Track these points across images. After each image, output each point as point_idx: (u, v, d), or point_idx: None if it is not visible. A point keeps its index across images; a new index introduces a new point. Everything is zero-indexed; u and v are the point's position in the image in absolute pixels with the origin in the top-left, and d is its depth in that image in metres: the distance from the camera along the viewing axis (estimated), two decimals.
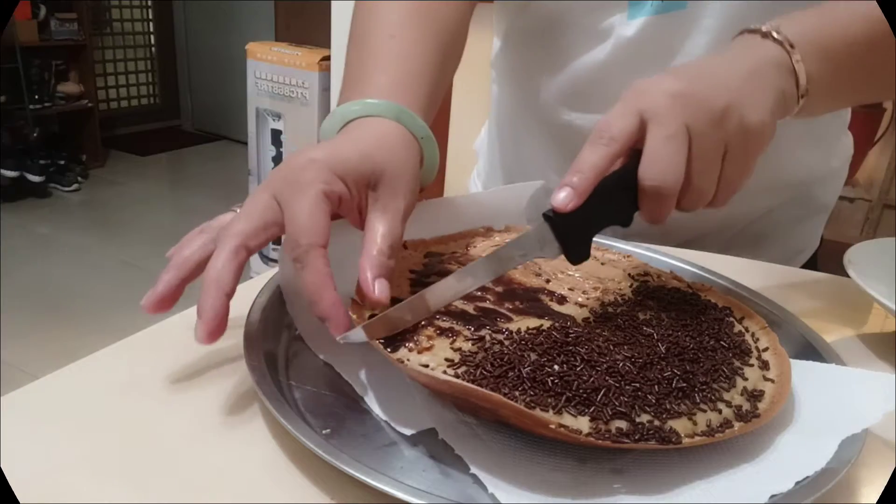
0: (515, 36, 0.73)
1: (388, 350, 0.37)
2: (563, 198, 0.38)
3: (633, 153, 0.40)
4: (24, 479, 0.32)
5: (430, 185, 0.49)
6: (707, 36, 0.61)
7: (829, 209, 0.78)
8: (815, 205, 0.77)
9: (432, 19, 0.54)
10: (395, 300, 0.42)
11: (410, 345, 0.37)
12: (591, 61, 0.66)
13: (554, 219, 0.39)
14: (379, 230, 0.39)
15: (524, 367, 0.34)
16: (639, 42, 0.62)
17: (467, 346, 0.37)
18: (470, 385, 0.33)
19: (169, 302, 0.39)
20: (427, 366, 0.35)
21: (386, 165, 0.41)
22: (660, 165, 0.39)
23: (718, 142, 0.40)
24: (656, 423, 0.33)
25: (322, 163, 0.39)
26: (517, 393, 0.33)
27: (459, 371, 0.35)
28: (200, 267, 0.39)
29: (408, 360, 0.36)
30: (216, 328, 0.36)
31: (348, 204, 0.40)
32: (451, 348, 0.37)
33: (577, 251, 0.40)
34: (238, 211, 0.40)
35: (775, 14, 0.48)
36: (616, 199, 0.40)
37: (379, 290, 0.38)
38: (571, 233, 0.40)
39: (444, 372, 0.35)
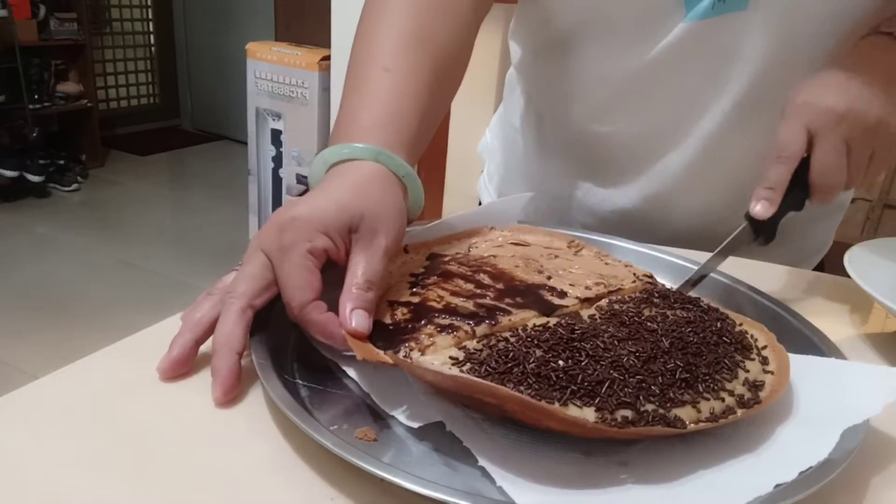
0: (542, 47, 0.71)
1: (391, 351, 0.37)
2: (761, 209, 0.51)
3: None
4: (24, 479, 0.32)
5: (429, 188, 0.50)
6: (762, 40, 0.60)
7: (845, 208, 0.79)
8: (835, 202, 0.77)
9: (430, 47, 0.54)
10: (394, 303, 0.42)
11: (412, 344, 0.37)
12: (632, 68, 0.64)
13: (753, 222, 0.52)
14: (358, 266, 0.41)
15: (529, 363, 0.35)
16: (689, 46, 0.61)
17: (472, 344, 0.38)
18: (475, 379, 0.33)
19: (184, 364, 0.40)
20: (432, 364, 0.35)
21: (364, 209, 0.42)
22: (830, 173, 0.51)
23: (869, 148, 0.52)
24: (661, 411, 0.34)
25: (303, 220, 0.41)
26: (522, 388, 0.33)
27: (464, 368, 0.35)
28: (212, 327, 0.41)
29: (412, 359, 0.36)
30: (231, 387, 0.38)
31: (335, 254, 0.42)
32: (457, 347, 0.37)
33: (769, 236, 0.52)
34: (238, 270, 0.42)
35: (834, 15, 0.57)
36: (792, 195, 0.51)
37: (356, 321, 0.39)
38: (765, 226, 0.52)
39: (449, 369, 0.35)
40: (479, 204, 0.88)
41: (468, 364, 0.35)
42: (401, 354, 0.37)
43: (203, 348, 0.41)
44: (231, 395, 0.38)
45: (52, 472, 0.32)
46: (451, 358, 0.36)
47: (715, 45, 0.61)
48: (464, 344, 0.38)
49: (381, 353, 0.37)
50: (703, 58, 0.61)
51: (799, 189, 0.51)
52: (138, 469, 0.33)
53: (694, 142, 0.66)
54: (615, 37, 0.63)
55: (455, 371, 0.35)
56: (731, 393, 0.37)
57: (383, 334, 0.39)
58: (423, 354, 0.37)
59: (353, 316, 0.39)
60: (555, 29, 0.67)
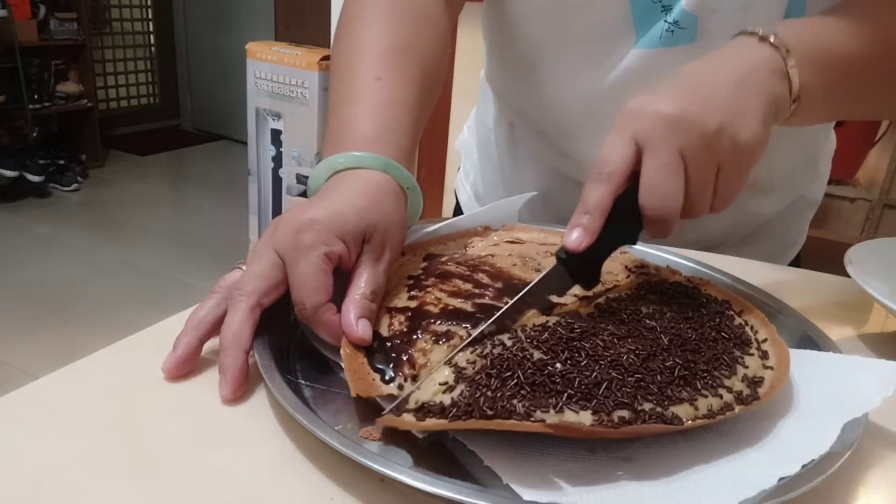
0: (505, 60, 0.70)
1: (386, 378, 0.38)
2: (575, 239, 0.41)
3: (632, 175, 0.42)
4: (24, 479, 0.32)
5: (429, 188, 0.50)
6: None
7: (817, 204, 0.80)
8: (806, 201, 0.78)
9: (416, 57, 0.54)
10: (391, 309, 0.42)
11: (405, 370, 0.38)
12: (588, 91, 0.63)
13: (567, 259, 0.41)
14: (363, 276, 0.42)
15: (524, 370, 0.34)
16: (640, 74, 0.60)
17: (464, 356, 0.37)
18: (464, 424, 0.33)
19: (189, 363, 0.40)
20: (423, 406, 0.35)
21: (378, 221, 0.43)
22: (659, 194, 0.41)
23: (712, 163, 0.42)
24: (658, 409, 0.34)
25: (323, 224, 0.41)
26: (515, 401, 0.33)
27: (455, 394, 0.35)
28: (216, 326, 0.41)
29: (403, 391, 0.36)
30: (240, 385, 0.39)
31: (346, 261, 0.42)
32: (448, 365, 0.37)
33: (590, 280, 0.43)
34: (244, 268, 0.42)
35: None
36: (621, 224, 0.42)
37: (362, 329, 0.40)
38: (584, 265, 0.42)
39: (441, 402, 0.34)
40: (456, 200, 0.89)
41: (459, 386, 0.35)
42: (395, 384, 0.37)
43: (214, 346, 0.41)
44: (239, 392, 0.38)
45: (52, 472, 0.32)
46: (440, 385, 0.36)
47: (665, 75, 0.60)
48: (454, 361, 0.37)
49: (377, 387, 0.37)
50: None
51: (630, 217, 0.42)
52: (138, 469, 0.33)
53: None
54: (572, 58, 0.63)
55: (448, 400, 0.34)
56: (730, 390, 0.37)
57: (380, 352, 0.40)
58: (417, 377, 0.37)
59: (360, 324, 0.40)
60: (515, 45, 0.67)
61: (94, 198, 3.52)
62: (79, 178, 3.60)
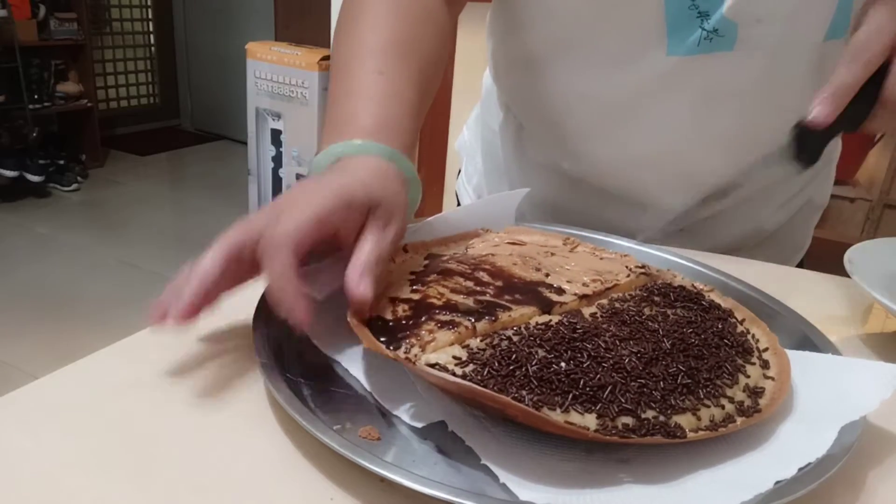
0: (517, 59, 0.69)
1: (391, 348, 0.37)
2: (820, 113, 0.45)
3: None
4: (24, 479, 0.32)
5: (429, 187, 0.50)
6: (747, 79, 0.59)
7: (823, 207, 0.81)
8: (813, 205, 0.79)
9: (417, 53, 0.54)
10: (395, 300, 0.42)
11: (413, 340, 0.37)
12: (612, 95, 0.63)
13: (803, 130, 0.46)
14: (367, 242, 0.41)
15: (531, 366, 0.35)
16: (671, 80, 0.60)
17: (475, 342, 0.38)
18: (478, 387, 0.33)
19: (200, 308, 0.39)
20: (435, 364, 0.35)
21: (382, 195, 0.43)
22: None
23: None
24: (661, 418, 0.34)
25: (328, 189, 0.41)
26: (524, 392, 0.33)
27: (467, 369, 0.35)
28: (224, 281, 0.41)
29: (416, 356, 0.36)
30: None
31: (347, 232, 0.42)
32: (460, 345, 0.37)
33: (812, 156, 0.48)
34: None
35: (819, 55, 0.55)
36: (852, 109, 0.45)
37: (364, 287, 0.39)
38: (811, 140, 0.47)
39: (452, 371, 0.35)
40: (458, 203, 0.88)
41: (471, 364, 0.35)
42: (401, 351, 0.37)
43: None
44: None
45: (52, 472, 0.32)
46: (454, 357, 0.36)
47: (699, 81, 0.60)
48: (467, 343, 0.38)
49: (385, 348, 0.37)
50: (685, 93, 0.61)
51: (862, 106, 0.46)
52: (138, 469, 0.33)
53: (676, 174, 0.66)
54: (595, 58, 0.62)
55: (459, 371, 0.35)
56: (732, 400, 0.37)
57: (384, 330, 0.39)
58: (423, 351, 0.37)
59: (363, 282, 0.39)
60: (530, 43, 0.66)
61: (94, 198, 3.52)
62: (79, 178, 3.60)
